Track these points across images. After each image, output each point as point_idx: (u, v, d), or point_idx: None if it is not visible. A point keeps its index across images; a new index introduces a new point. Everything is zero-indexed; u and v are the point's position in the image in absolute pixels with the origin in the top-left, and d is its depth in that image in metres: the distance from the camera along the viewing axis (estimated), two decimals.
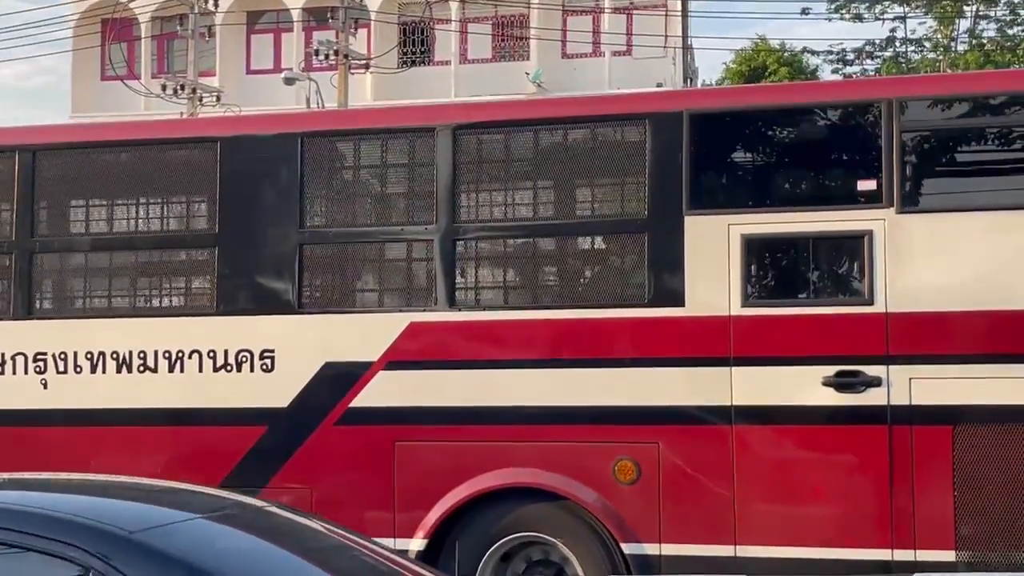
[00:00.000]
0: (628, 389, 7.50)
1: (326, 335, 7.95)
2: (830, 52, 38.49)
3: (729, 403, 7.36)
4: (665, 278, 7.51)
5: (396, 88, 33.71)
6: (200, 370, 8.15)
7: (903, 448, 7.12)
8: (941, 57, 35.47)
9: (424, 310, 7.85)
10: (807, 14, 38.35)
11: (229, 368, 8.10)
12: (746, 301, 7.39)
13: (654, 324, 7.53)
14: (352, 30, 30.86)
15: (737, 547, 7.31)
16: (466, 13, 36.34)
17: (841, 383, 7.22)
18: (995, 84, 8.23)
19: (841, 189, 7.57)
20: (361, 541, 4.58)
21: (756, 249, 7.48)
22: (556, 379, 7.60)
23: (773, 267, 7.63)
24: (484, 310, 7.83)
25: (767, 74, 33.94)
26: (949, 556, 7.06)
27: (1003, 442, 7.05)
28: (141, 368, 8.26)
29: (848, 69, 37.73)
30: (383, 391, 7.79)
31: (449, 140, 7.86)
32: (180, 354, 8.22)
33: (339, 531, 4.60)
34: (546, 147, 7.94)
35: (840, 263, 7.50)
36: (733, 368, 7.35)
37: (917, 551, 7.10)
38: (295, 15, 36.49)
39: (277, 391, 7.94)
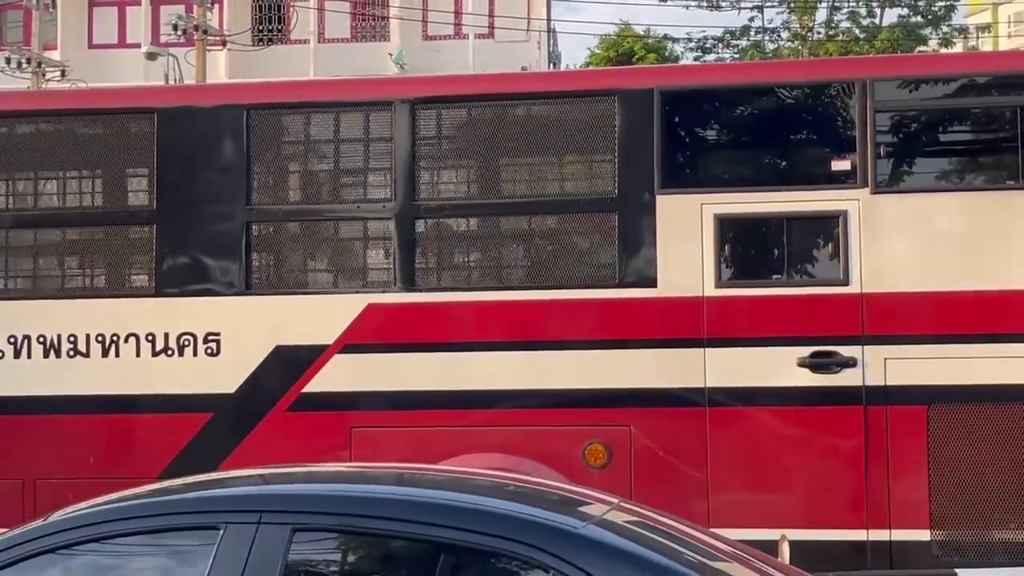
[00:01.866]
0: (599, 371, 7.45)
1: (277, 317, 7.77)
2: (689, 39, 39.23)
3: (703, 385, 7.37)
4: (636, 258, 7.49)
5: (252, 66, 33.04)
6: (137, 355, 7.86)
7: (878, 428, 7.20)
8: (800, 47, 36.39)
9: (383, 291, 7.71)
10: (666, 1, 38.93)
11: (170, 352, 7.84)
12: (720, 282, 7.40)
13: (625, 305, 7.49)
14: (210, 5, 30.11)
15: (712, 531, 7.26)
16: None
17: (816, 364, 7.27)
18: (969, 65, 8.47)
19: (815, 169, 7.62)
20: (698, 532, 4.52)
21: (730, 229, 7.46)
22: (522, 362, 7.53)
23: (747, 247, 7.62)
24: (446, 291, 7.72)
25: (634, 60, 34.35)
26: (924, 536, 7.19)
27: (977, 422, 7.16)
28: (71, 353, 7.81)
29: (708, 57, 38.51)
30: (339, 375, 7.63)
31: (408, 114, 7.71)
32: (115, 338, 7.83)
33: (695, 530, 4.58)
34: (510, 123, 7.84)
35: (815, 243, 7.51)
36: (707, 349, 7.36)
37: (892, 531, 7.21)
38: None
39: (223, 376, 7.73)
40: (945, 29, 39.27)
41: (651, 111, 7.51)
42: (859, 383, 7.25)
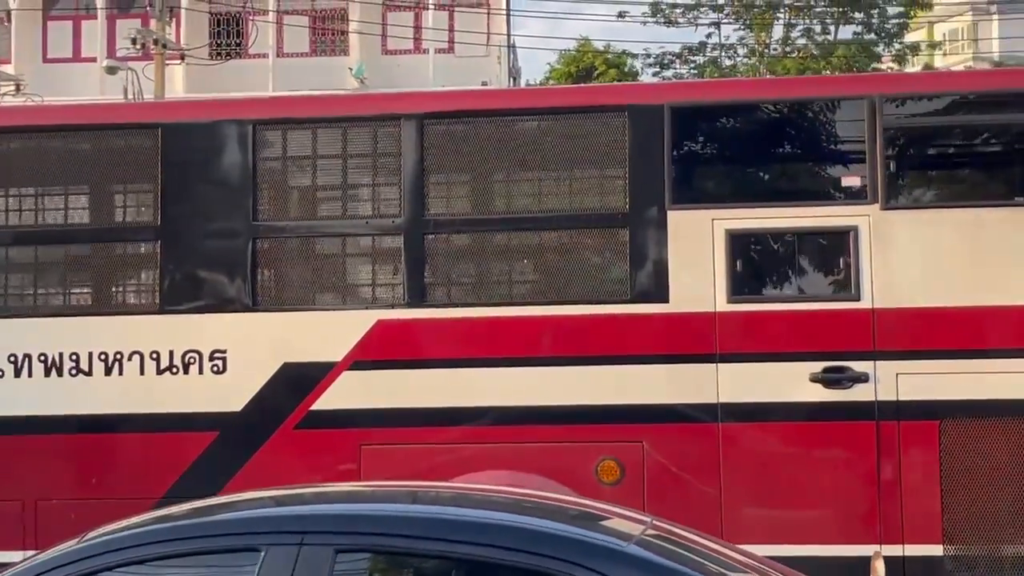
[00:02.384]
0: (611, 387, 7.44)
1: (284, 334, 7.73)
2: (648, 55, 39.43)
3: (715, 400, 7.37)
4: (648, 273, 7.50)
5: (210, 81, 32.88)
6: (142, 373, 7.79)
7: (890, 443, 7.24)
8: (757, 63, 36.73)
9: (392, 307, 7.70)
10: (624, 17, 39.08)
11: (175, 370, 7.77)
12: (732, 297, 7.42)
13: (637, 320, 7.49)
14: (168, 18, 29.92)
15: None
16: (281, 5, 35.65)
17: (828, 379, 7.31)
18: (977, 83, 8.55)
19: (826, 185, 7.71)
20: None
21: (741, 244, 7.48)
22: (534, 378, 7.52)
23: (758, 263, 7.63)
24: (456, 307, 7.69)
25: (596, 75, 34.45)
26: (937, 550, 7.22)
27: (989, 436, 7.20)
28: (73, 372, 7.70)
29: (666, 73, 38.69)
30: (348, 392, 7.59)
31: (416, 130, 7.72)
32: (118, 356, 7.78)
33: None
34: (519, 139, 7.87)
35: (826, 259, 7.57)
36: (719, 365, 7.37)
37: (905, 546, 7.23)
38: (98, 2, 35.12)
39: (229, 394, 7.67)
40: (897, 46, 39.83)
41: (661, 127, 7.53)
42: (871, 398, 7.27)
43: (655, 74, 38.11)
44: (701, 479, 7.39)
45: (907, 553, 7.28)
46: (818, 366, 7.32)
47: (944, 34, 51.40)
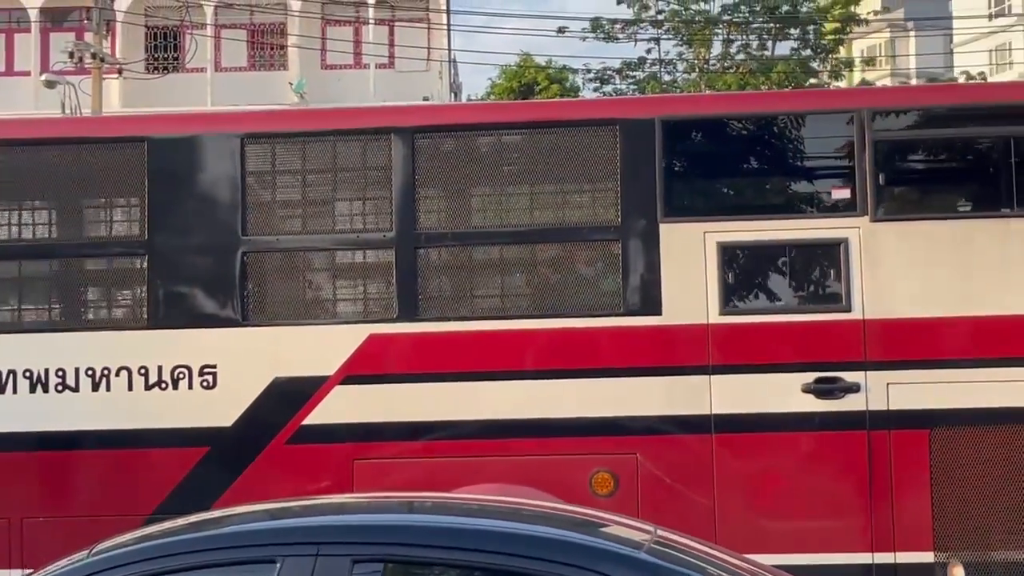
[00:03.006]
0: (604, 400, 7.51)
1: (275, 349, 7.73)
2: (588, 70, 39.71)
3: (708, 412, 7.47)
4: (641, 286, 7.58)
5: (148, 95, 32.59)
6: (130, 388, 7.73)
7: (881, 452, 7.36)
8: (698, 79, 37.14)
9: (384, 321, 7.70)
10: (563, 33, 39.30)
11: (164, 386, 7.73)
12: (724, 309, 7.52)
13: (630, 333, 7.57)
14: (105, 32, 29.64)
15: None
16: (219, 19, 35.48)
17: (820, 389, 7.42)
18: (965, 96, 8.85)
19: (816, 197, 7.85)
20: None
21: (733, 257, 7.59)
22: (527, 391, 7.58)
23: (750, 275, 7.70)
24: (448, 321, 7.71)
25: (538, 91, 34.66)
26: (928, 557, 7.34)
27: (979, 444, 7.34)
28: (60, 388, 7.67)
29: (606, 88, 38.96)
30: (340, 407, 7.61)
31: (407, 144, 7.75)
32: (106, 371, 7.74)
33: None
34: (510, 153, 7.98)
35: (817, 271, 7.67)
36: (712, 377, 7.46)
37: (896, 553, 7.36)
38: (32, 15, 34.72)
39: (219, 409, 7.66)
40: (832, 61, 40.51)
41: (653, 141, 7.62)
42: (862, 408, 7.39)
43: (595, 89, 38.36)
44: (695, 490, 7.46)
45: (899, 560, 7.41)
46: (810, 377, 7.43)
47: (862, 51, 52.49)
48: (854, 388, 7.39)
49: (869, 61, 47.33)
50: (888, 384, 7.38)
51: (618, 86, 39.71)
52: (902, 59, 54.73)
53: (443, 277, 7.90)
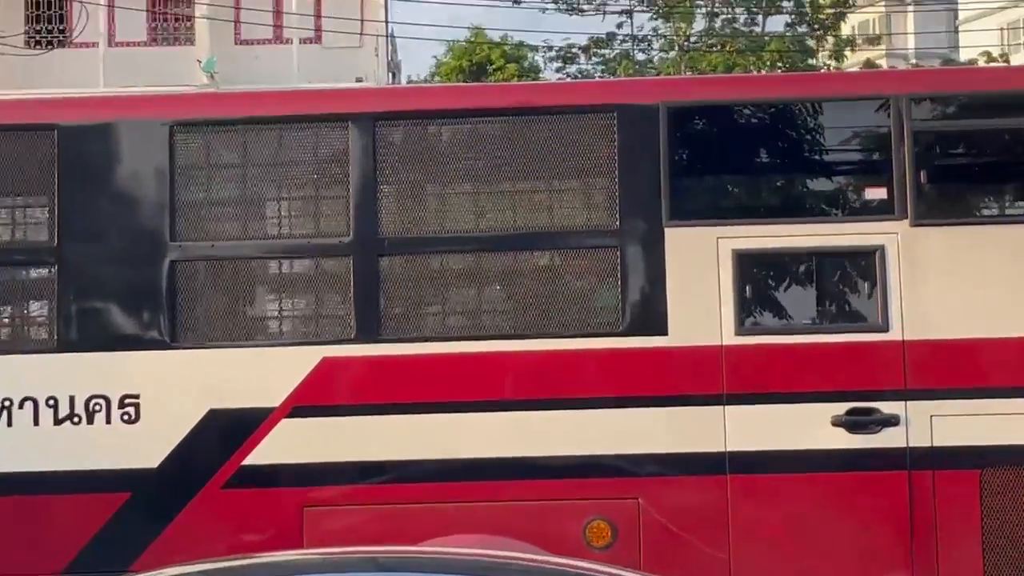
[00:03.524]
0: (600, 435, 7.54)
1: (210, 376, 7.70)
2: (549, 48, 39.64)
3: (722, 449, 7.49)
4: (643, 302, 7.59)
5: (28, 74, 32.17)
6: (36, 423, 7.66)
7: (924, 496, 7.39)
8: (678, 58, 37.15)
9: (340, 342, 7.66)
10: (520, 4, 39.34)
11: (76, 420, 7.64)
12: (740, 329, 7.55)
13: (630, 357, 7.59)
14: None
15: None
16: None
17: (853, 422, 7.44)
18: (1021, 79, 8.76)
19: (848, 198, 7.94)
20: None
21: (751, 267, 7.62)
22: (509, 425, 7.57)
23: (771, 288, 7.72)
24: (417, 342, 7.70)
25: (491, 71, 34.55)
26: None
27: None
28: None
29: (569, 68, 38.96)
30: (288, 444, 7.58)
31: (368, 133, 7.72)
32: (6, 403, 7.68)
33: None
34: (490, 145, 7.93)
35: (849, 283, 7.73)
36: (726, 408, 7.49)
37: None
38: None
39: (144, 447, 7.60)
40: (832, 40, 40.62)
41: (657, 130, 7.62)
42: (902, 444, 7.42)
43: (558, 69, 38.40)
44: (707, 541, 7.48)
45: None
46: (841, 408, 7.46)
47: (852, 27, 52.77)
48: (892, 421, 7.42)
49: (874, 39, 47.62)
50: (932, 416, 7.40)
51: (583, 66, 39.82)
52: (900, 38, 55.04)
53: (410, 290, 7.85)
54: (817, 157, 7.99)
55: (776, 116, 8.01)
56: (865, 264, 7.57)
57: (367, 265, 7.65)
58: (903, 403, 7.42)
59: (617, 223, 7.63)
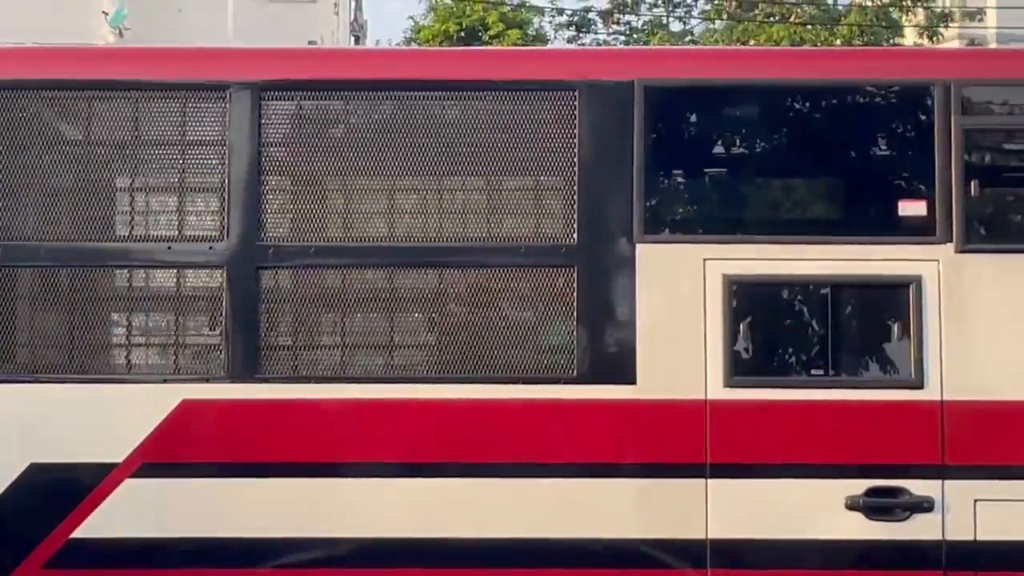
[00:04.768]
0: (544, 513, 6.59)
1: (33, 420, 6.69)
2: (559, 11, 36.18)
3: (703, 536, 6.54)
4: (605, 340, 6.66)
5: None
6: None
7: None
8: (732, 32, 32.88)
9: (205, 380, 6.74)
10: None
11: None
12: (731, 378, 6.60)
13: (586, 411, 6.62)
14: None
15: None
16: None
17: (874, 506, 6.51)
18: None
19: (875, 214, 6.90)
20: None
21: (747, 298, 6.66)
22: (429, 496, 6.62)
23: (773, 327, 6.76)
24: (308, 382, 6.71)
25: (489, 37, 31.89)
26: None
27: None
28: None
29: (585, 40, 35.66)
30: (133, 512, 6.61)
31: (251, 107, 6.74)
32: None
33: None
34: (410, 128, 6.94)
35: (874, 325, 6.74)
36: (710, 482, 6.54)
37: None
38: None
39: None
40: (924, 13, 35.83)
41: (631, 116, 6.68)
42: (938, 536, 6.48)
43: (572, 39, 35.06)
44: None
45: None
46: (859, 487, 6.51)
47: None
48: (925, 505, 6.46)
49: (972, 15, 41.36)
50: (976, 501, 6.45)
51: (601, 36, 36.32)
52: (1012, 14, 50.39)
53: (301, 314, 6.96)
54: (836, 158, 7.02)
55: (784, 103, 7.01)
56: (896, 300, 6.62)
57: (244, 280, 6.70)
58: (940, 483, 6.50)
59: (574, 236, 6.71)
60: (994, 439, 6.56)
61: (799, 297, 6.78)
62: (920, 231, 6.64)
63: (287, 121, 6.95)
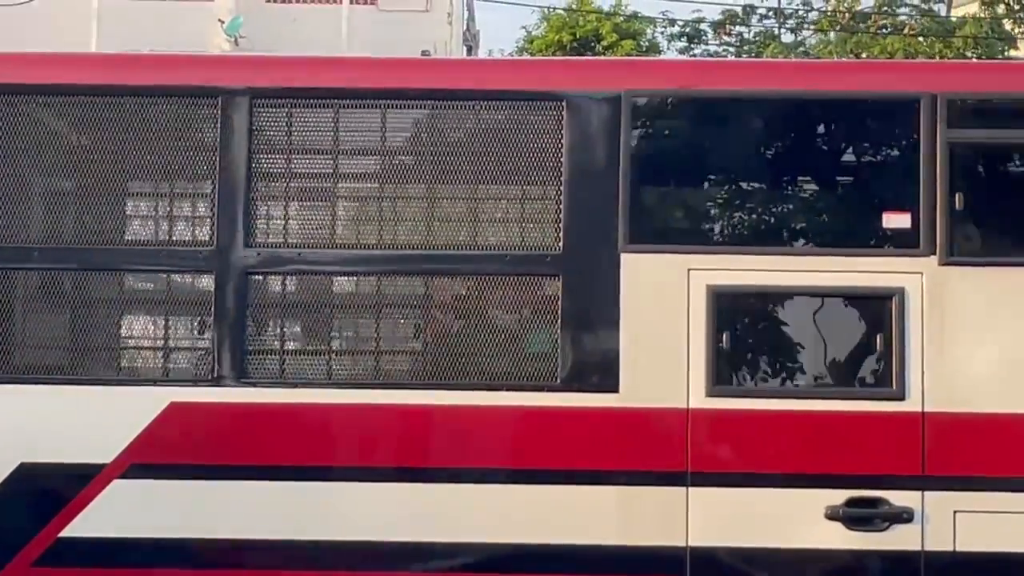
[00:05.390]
0: (525, 520, 6.52)
1: (23, 420, 6.66)
2: (671, 22, 35.98)
3: (683, 544, 6.46)
4: (588, 347, 6.60)
5: (5, 27, 30.22)
6: None
7: None
8: (844, 42, 32.28)
9: (194, 383, 6.71)
10: None
11: None
12: (713, 388, 6.52)
13: (568, 418, 6.55)
14: None
15: None
16: None
17: (853, 516, 6.42)
18: None
19: (858, 226, 6.82)
20: None
21: (730, 309, 6.61)
22: (412, 501, 6.57)
23: (755, 337, 6.76)
24: (296, 387, 6.67)
25: (600, 48, 31.52)
26: None
27: None
28: None
29: (695, 51, 35.11)
30: (121, 512, 6.56)
31: (243, 113, 6.71)
32: None
33: None
34: (398, 136, 6.97)
35: (856, 336, 6.63)
36: (690, 490, 6.47)
37: None
38: None
39: None
40: None
41: (617, 127, 6.63)
42: (917, 547, 6.40)
43: (683, 50, 34.49)
44: None
45: None
46: (839, 496, 6.44)
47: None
48: (904, 516, 6.39)
49: None
50: (956, 512, 6.39)
51: (711, 47, 35.67)
52: None
53: (289, 319, 6.91)
54: (821, 170, 6.97)
55: (769, 115, 6.97)
56: (878, 311, 6.56)
57: (234, 283, 6.65)
58: (919, 493, 6.42)
59: (559, 245, 6.68)
60: (975, 450, 6.48)
61: (782, 308, 6.73)
62: (904, 243, 6.59)
63: (275, 129, 6.86)
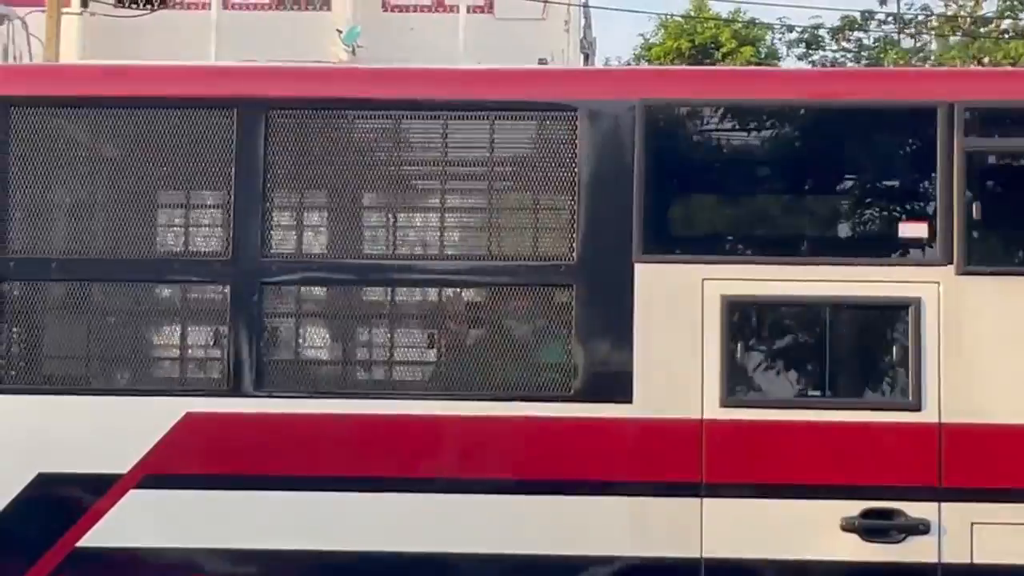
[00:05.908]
0: (541, 530, 6.51)
1: (40, 430, 6.68)
2: (788, 28, 34.92)
3: (698, 555, 6.42)
4: (602, 358, 6.59)
5: (124, 39, 30.52)
6: None
7: None
8: (969, 48, 31.18)
9: (209, 393, 6.70)
10: None
11: None
12: (728, 398, 6.50)
13: (582, 429, 6.52)
14: None
15: None
16: None
17: (869, 528, 6.37)
18: None
19: (874, 235, 6.83)
20: None
21: (745, 319, 6.62)
22: (425, 512, 6.53)
23: (770, 348, 6.70)
24: (309, 397, 6.66)
25: (719, 56, 30.97)
26: None
27: None
28: None
29: (814, 56, 34.37)
30: (137, 522, 6.57)
31: (257, 124, 6.70)
32: None
33: None
34: (412, 146, 6.99)
35: (872, 346, 6.68)
36: (705, 501, 6.43)
37: None
38: None
39: None
40: None
41: (632, 137, 6.60)
42: (933, 559, 6.35)
43: (802, 56, 33.30)
44: None
45: None
46: (854, 508, 6.40)
47: None
48: (921, 528, 6.35)
49: None
50: (973, 524, 6.33)
51: (830, 53, 34.69)
52: None
53: (305, 330, 6.93)
54: (837, 179, 6.95)
55: (785, 124, 6.95)
56: (895, 321, 6.53)
57: (249, 294, 6.66)
58: (936, 505, 6.38)
59: (573, 255, 6.64)
60: (992, 462, 6.42)
61: (797, 318, 6.75)
62: (921, 252, 6.58)
63: (291, 139, 6.83)
